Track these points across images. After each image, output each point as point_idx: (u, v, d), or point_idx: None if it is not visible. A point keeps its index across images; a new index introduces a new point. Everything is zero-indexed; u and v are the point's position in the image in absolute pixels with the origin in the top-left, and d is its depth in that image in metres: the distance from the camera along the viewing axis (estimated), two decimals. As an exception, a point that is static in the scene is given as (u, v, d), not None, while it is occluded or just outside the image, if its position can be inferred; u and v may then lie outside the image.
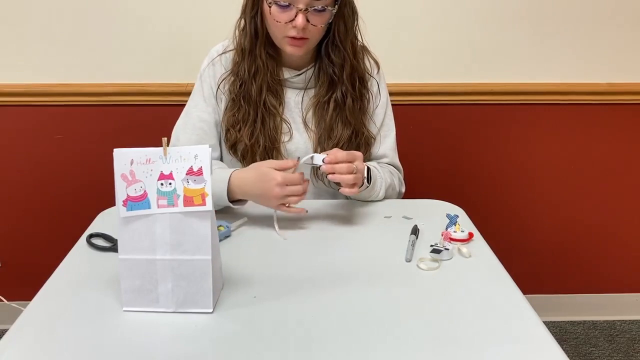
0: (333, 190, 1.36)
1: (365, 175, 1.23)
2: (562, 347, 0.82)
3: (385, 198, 1.34)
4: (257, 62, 1.27)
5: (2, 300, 1.80)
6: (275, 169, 1.12)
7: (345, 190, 1.16)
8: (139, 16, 1.75)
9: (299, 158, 1.16)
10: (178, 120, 1.36)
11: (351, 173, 1.14)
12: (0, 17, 1.74)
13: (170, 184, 0.88)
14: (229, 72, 1.31)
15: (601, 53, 1.85)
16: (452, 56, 1.84)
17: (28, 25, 1.75)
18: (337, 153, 1.15)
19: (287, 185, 1.11)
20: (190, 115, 1.34)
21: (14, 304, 1.57)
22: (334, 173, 1.14)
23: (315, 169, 1.32)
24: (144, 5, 1.75)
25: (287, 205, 1.14)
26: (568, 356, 0.81)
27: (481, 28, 1.81)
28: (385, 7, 1.75)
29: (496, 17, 1.80)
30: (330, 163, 1.14)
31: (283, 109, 1.32)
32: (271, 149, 1.30)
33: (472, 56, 1.84)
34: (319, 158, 1.15)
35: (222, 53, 1.33)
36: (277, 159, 1.30)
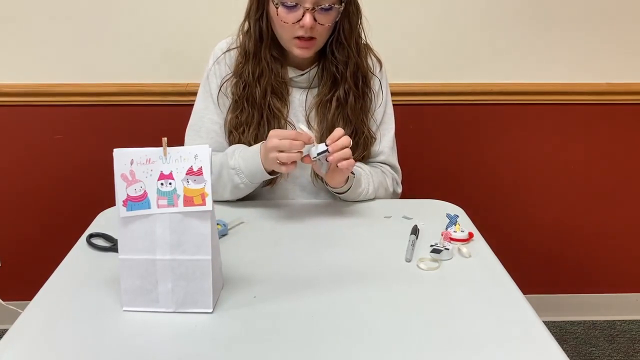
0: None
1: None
2: (562, 347, 0.82)
3: (376, 198, 1.34)
4: (261, 64, 1.27)
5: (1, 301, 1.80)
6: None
7: (344, 164, 1.14)
8: (139, 16, 1.75)
9: (300, 128, 1.14)
10: (189, 124, 1.35)
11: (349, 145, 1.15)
12: (1, 17, 1.74)
13: (170, 184, 0.88)
14: (230, 74, 1.31)
15: (601, 53, 1.85)
16: (452, 56, 1.84)
17: (28, 25, 1.75)
18: (334, 132, 1.14)
19: (279, 138, 1.12)
20: (202, 119, 1.33)
21: (11, 306, 1.57)
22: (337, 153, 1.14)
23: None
24: (144, 5, 1.75)
25: (278, 161, 1.12)
26: (568, 356, 0.81)
27: (481, 28, 1.81)
28: (385, 7, 1.75)
29: (496, 17, 1.80)
30: (333, 142, 1.13)
31: (288, 110, 1.32)
32: None
33: (472, 56, 1.84)
34: (322, 146, 1.13)
35: (227, 51, 1.33)
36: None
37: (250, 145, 1.27)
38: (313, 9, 1.17)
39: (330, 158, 1.13)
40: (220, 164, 1.25)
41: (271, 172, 1.21)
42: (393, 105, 1.43)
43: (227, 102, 1.32)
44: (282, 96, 1.31)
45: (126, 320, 0.88)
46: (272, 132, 1.14)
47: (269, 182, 1.32)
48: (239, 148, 1.26)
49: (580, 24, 1.82)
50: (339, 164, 1.14)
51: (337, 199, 1.35)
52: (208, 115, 1.33)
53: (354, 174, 1.26)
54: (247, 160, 1.22)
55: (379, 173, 1.36)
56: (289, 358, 0.80)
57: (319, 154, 1.13)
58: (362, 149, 1.34)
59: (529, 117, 1.91)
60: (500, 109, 1.90)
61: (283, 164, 1.12)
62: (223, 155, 1.26)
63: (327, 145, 1.12)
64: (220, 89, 1.32)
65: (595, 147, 1.96)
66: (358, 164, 1.33)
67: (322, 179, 1.34)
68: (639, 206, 2.04)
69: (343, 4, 1.22)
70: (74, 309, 0.91)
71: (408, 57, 1.82)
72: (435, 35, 1.82)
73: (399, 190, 1.42)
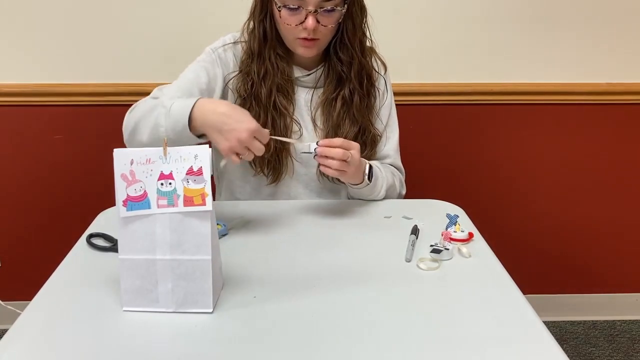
0: (336, 187, 1.37)
1: (367, 172, 1.24)
2: (562, 347, 0.82)
3: (385, 198, 1.34)
4: (265, 64, 1.27)
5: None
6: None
7: (328, 171, 1.15)
8: (140, 16, 1.76)
9: (271, 132, 1.08)
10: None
11: (344, 160, 1.13)
12: (1, 17, 1.74)
13: (170, 184, 0.88)
14: (237, 72, 1.30)
15: (601, 53, 1.85)
16: (452, 56, 1.84)
17: (28, 25, 1.75)
18: (334, 139, 1.15)
19: (255, 138, 1.02)
20: (182, 78, 1.26)
21: (11, 306, 1.57)
22: (326, 158, 1.13)
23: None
24: (145, 6, 1.75)
25: (239, 156, 1.03)
26: (568, 356, 0.81)
27: (482, 28, 1.81)
28: (385, 7, 1.75)
29: (497, 17, 1.80)
30: (324, 146, 1.13)
31: (294, 109, 1.32)
32: (281, 150, 1.29)
33: (472, 56, 1.84)
34: (313, 145, 1.14)
35: (235, 42, 1.32)
36: (286, 158, 1.31)
37: None
38: (316, 11, 1.17)
39: (316, 157, 1.14)
40: (160, 99, 1.14)
41: (200, 136, 1.08)
42: (393, 105, 1.43)
43: (232, 97, 1.31)
44: (288, 94, 1.30)
45: (126, 320, 0.88)
46: (253, 125, 1.02)
47: (274, 180, 1.32)
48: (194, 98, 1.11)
49: (580, 24, 1.82)
50: (321, 167, 1.15)
51: (339, 197, 1.35)
52: (195, 81, 1.25)
53: (370, 176, 1.25)
54: (181, 107, 1.07)
55: (390, 174, 1.36)
56: (289, 358, 0.80)
57: (303, 153, 1.14)
58: (369, 148, 1.34)
59: (529, 117, 1.91)
60: (500, 109, 1.90)
61: (238, 155, 1.03)
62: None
63: (317, 145, 1.13)
64: (226, 85, 1.30)
65: (595, 147, 1.96)
66: (374, 163, 1.33)
67: (327, 177, 1.34)
68: (639, 206, 2.04)
69: (346, 6, 1.22)
70: (74, 309, 0.91)
71: (408, 57, 1.82)
72: (435, 35, 1.82)
73: (404, 192, 1.42)
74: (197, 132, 1.07)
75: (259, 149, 1.03)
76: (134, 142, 1.15)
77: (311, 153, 1.15)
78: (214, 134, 1.04)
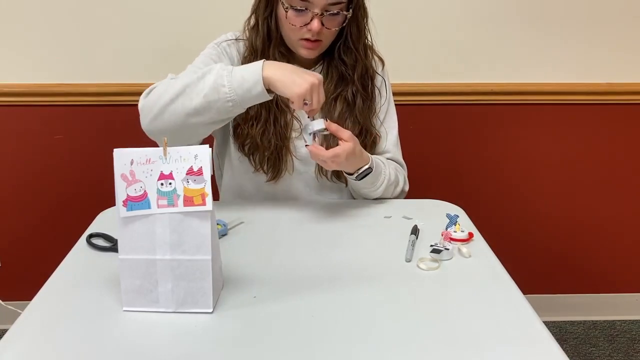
0: (336, 185, 1.37)
1: (362, 171, 1.23)
2: (562, 347, 0.82)
3: (384, 195, 1.33)
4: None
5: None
6: None
7: (311, 149, 1.16)
8: (139, 16, 1.76)
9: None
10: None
11: (329, 155, 1.14)
12: (1, 17, 1.74)
13: (170, 184, 0.88)
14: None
15: (601, 53, 1.85)
16: (452, 56, 1.84)
17: (28, 25, 1.75)
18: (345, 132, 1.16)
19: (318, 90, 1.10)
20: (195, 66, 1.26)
21: (11, 306, 1.57)
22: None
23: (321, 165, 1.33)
24: (145, 5, 1.75)
25: (305, 101, 1.09)
26: (568, 356, 0.81)
27: (481, 28, 1.82)
28: (384, 7, 1.75)
29: (496, 17, 1.81)
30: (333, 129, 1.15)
31: None
32: (281, 147, 1.30)
33: (472, 56, 1.84)
34: (319, 123, 1.15)
35: (236, 39, 1.32)
36: (286, 156, 1.31)
37: (256, 140, 1.27)
38: (322, 14, 1.18)
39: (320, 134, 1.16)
40: (212, 66, 1.13)
41: (269, 91, 1.10)
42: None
43: None
44: None
45: (126, 320, 0.88)
46: (321, 77, 1.11)
47: (273, 177, 1.32)
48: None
49: (580, 24, 1.82)
50: (311, 148, 1.16)
51: (340, 196, 1.35)
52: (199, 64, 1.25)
53: (361, 176, 1.25)
54: (246, 67, 1.11)
55: (394, 170, 1.35)
56: (289, 358, 0.80)
57: (317, 131, 1.15)
58: (370, 149, 1.34)
59: (529, 117, 1.91)
60: (500, 109, 1.90)
61: (308, 105, 1.10)
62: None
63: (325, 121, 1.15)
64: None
65: (595, 147, 1.96)
66: (380, 159, 1.33)
67: (327, 175, 1.34)
68: (638, 206, 2.04)
69: (351, 10, 1.23)
70: (74, 309, 0.91)
71: (408, 57, 1.82)
72: (435, 35, 1.82)
73: (407, 188, 1.41)
74: (266, 86, 1.10)
75: (321, 99, 1.10)
76: (163, 119, 1.11)
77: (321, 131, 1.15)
78: (287, 82, 1.08)
